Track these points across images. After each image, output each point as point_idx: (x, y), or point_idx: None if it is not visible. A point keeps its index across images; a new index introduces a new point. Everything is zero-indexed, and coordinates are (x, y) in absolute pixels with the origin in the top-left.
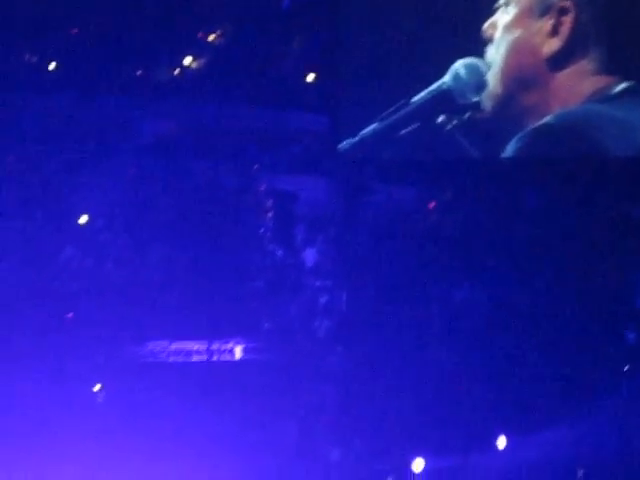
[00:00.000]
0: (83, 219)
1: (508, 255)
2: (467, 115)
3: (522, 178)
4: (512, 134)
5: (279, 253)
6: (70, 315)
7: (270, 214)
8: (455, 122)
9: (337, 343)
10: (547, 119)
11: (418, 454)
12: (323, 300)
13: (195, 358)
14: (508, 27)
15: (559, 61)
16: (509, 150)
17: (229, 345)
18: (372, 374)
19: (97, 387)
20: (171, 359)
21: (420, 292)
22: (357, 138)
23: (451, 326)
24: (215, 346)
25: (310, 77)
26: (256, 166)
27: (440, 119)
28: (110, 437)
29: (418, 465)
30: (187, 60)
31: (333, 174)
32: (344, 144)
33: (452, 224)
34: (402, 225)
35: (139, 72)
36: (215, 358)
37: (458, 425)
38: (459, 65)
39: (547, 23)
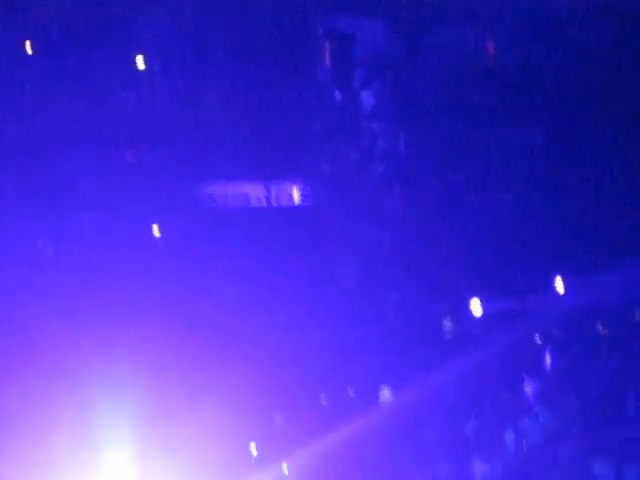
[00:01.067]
0: (139, 61)
1: (568, 97)
2: None
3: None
4: None
5: (337, 96)
6: (129, 157)
7: (327, 55)
8: None
9: (395, 187)
10: None
11: (476, 295)
12: (382, 144)
13: (253, 203)
14: None
15: None
16: None
17: (287, 189)
18: (431, 217)
19: (155, 228)
20: (229, 203)
21: (480, 134)
22: None
23: (509, 169)
24: (273, 190)
25: None
26: (312, 6)
27: None
28: (167, 281)
29: (476, 306)
30: None
31: (393, 14)
32: None
33: (512, 66)
34: (463, 67)
35: None
36: (274, 203)
37: (517, 267)
38: None
39: None
